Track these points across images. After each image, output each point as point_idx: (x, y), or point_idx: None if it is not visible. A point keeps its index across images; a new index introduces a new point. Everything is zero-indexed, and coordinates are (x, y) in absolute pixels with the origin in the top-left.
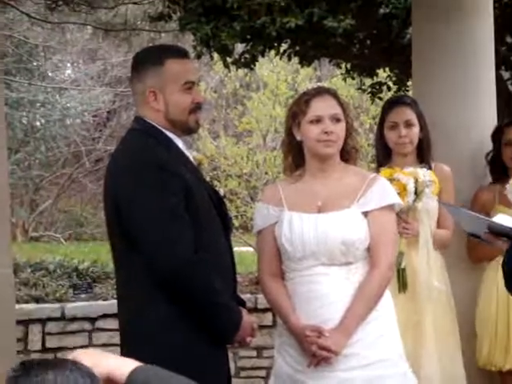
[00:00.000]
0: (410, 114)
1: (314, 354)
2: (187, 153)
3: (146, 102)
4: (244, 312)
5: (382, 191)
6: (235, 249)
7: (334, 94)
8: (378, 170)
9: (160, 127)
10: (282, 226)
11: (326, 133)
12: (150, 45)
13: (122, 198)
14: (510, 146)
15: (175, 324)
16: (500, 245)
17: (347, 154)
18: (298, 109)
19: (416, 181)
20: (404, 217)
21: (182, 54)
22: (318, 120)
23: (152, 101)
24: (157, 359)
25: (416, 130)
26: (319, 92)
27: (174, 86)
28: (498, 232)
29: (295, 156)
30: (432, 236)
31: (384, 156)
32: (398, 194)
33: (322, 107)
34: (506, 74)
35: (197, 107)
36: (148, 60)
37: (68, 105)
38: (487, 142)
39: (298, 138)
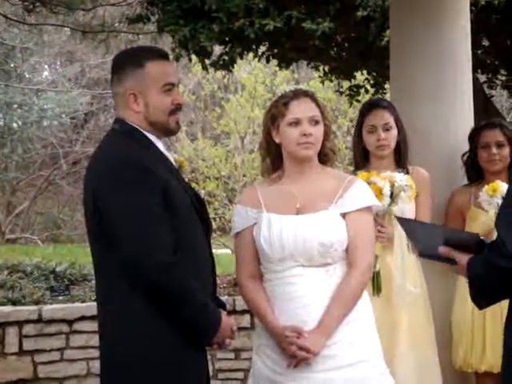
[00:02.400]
0: (388, 118)
1: (293, 355)
2: (168, 155)
3: (126, 103)
4: (223, 314)
5: (360, 193)
6: (213, 251)
7: (311, 97)
8: (355, 173)
9: (140, 129)
10: (261, 227)
11: (304, 135)
12: (129, 47)
13: (100, 199)
14: (486, 149)
15: (154, 326)
16: (459, 259)
17: (325, 157)
18: (276, 111)
19: (392, 185)
20: (379, 220)
21: (161, 55)
22: (296, 122)
23: (132, 103)
24: (135, 361)
25: (394, 133)
26: (297, 95)
27: (154, 87)
28: (455, 243)
29: (274, 158)
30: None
31: (362, 159)
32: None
33: (301, 110)
34: (482, 77)
35: (177, 108)
36: (127, 62)
37: (45, 106)
38: (464, 144)
39: (277, 140)
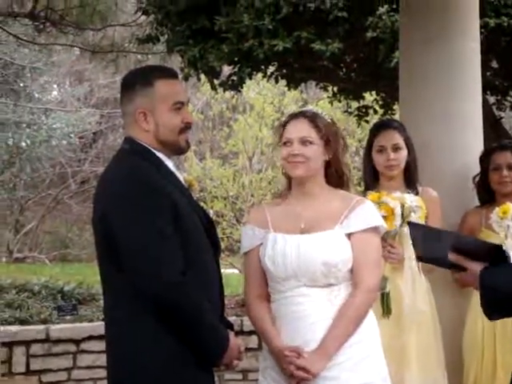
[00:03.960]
0: (397, 138)
1: (293, 375)
2: (178, 174)
3: (135, 122)
4: (231, 335)
5: (366, 213)
6: (221, 271)
7: (310, 117)
8: (365, 194)
9: (150, 148)
10: (266, 246)
11: (292, 155)
12: (138, 66)
13: (110, 219)
14: (497, 171)
15: (162, 346)
16: (471, 266)
17: (332, 178)
18: (277, 132)
19: (403, 206)
20: (390, 241)
21: (171, 74)
22: (287, 142)
23: (142, 121)
24: (142, 380)
25: (404, 153)
26: (296, 115)
27: (163, 106)
28: (464, 249)
29: (285, 179)
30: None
31: (371, 179)
32: (386, 217)
33: (293, 130)
34: (491, 99)
35: (186, 127)
36: (137, 81)
37: (54, 126)
38: (474, 165)
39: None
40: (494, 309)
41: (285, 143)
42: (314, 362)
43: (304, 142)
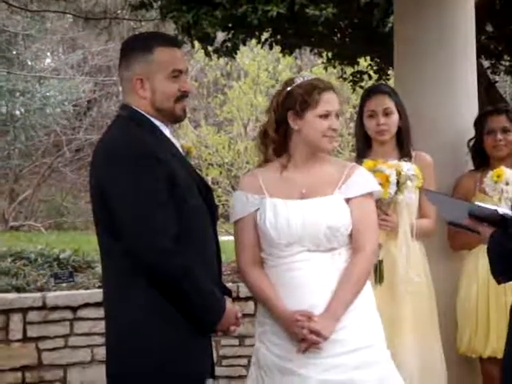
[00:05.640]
0: (388, 103)
1: (304, 339)
2: (175, 141)
3: (132, 89)
4: (228, 301)
5: (362, 179)
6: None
7: (337, 91)
8: (358, 159)
9: (147, 115)
10: (266, 212)
11: (333, 129)
12: (131, 34)
13: (106, 185)
14: (491, 135)
15: (159, 312)
16: (483, 230)
17: None
18: (308, 99)
19: (399, 173)
20: (384, 209)
21: (171, 42)
22: (326, 115)
23: (139, 88)
24: (140, 348)
25: (395, 117)
26: (328, 87)
27: (161, 73)
28: (479, 216)
29: (280, 143)
30: (411, 229)
31: (364, 144)
32: (381, 184)
33: (331, 103)
34: (485, 63)
35: (183, 96)
36: (136, 47)
37: (48, 94)
38: (469, 130)
39: (296, 127)
40: (501, 270)
41: (322, 115)
42: (325, 325)
43: (337, 115)
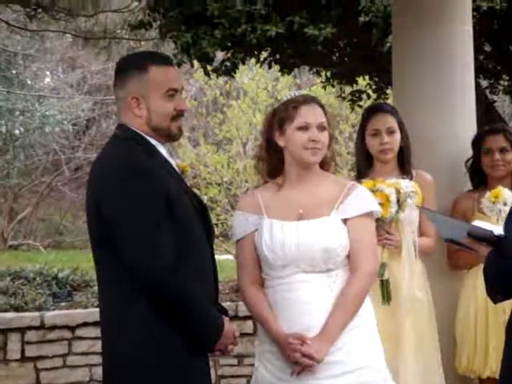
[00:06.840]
0: (391, 122)
1: (297, 362)
2: (171, 160)
3: (128, 108)
4: (226, 320)
5: (360, 198)
6: (215, 257)
7: (319, 103)
8: (358, 179)
9: (143, 134)
10: (263, 233)
11: (313, 141)
12: (131, 53)
13: (103, 205)
14: (489, 155)
15: (157, 332)
16: (480, 249)
17: (324, 163)
18: (285, 114)
19: (398, 191)
20: (387, 228)
21: (165, 61)
22: (305, 127)
23: (134, 107)
24: (137, 366)
25: (397, 136)
26: (307, 100)
27: (156, 92)
28: (478, 236)
29: (275, 162)
30: (414, 246)
31: (365, 163)
32: (381, 204)
33: (310, 115)
34: (484, 82)
35: (179, 114)
36: (131, 66)
37: (47, 113)
38: (467, 149)
39: (281, 144)
40: (497, 289)
41: (301, 128)
42: (318, 348)
43: (322, 127)
